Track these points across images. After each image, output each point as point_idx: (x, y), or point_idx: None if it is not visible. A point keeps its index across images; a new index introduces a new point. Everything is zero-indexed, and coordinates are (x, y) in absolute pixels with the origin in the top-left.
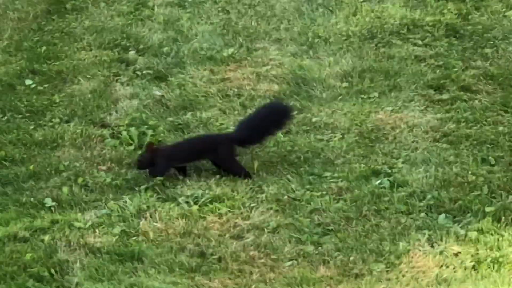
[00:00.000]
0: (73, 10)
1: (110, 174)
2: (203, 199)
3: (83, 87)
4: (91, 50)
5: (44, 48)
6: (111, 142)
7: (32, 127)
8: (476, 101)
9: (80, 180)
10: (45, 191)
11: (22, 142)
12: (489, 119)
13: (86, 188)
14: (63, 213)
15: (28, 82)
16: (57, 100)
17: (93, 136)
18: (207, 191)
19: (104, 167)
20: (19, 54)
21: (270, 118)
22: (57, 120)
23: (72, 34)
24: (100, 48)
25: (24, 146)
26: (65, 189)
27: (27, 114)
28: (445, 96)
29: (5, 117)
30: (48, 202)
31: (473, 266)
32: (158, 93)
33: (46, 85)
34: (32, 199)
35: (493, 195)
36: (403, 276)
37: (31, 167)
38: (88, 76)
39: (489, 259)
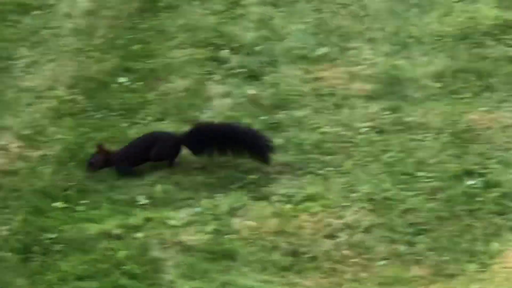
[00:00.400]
0: (166, 8)
1: (204, 172)
2: (296, 198)
3: (176, 85)
4: (184, 48)
5: (137, 46)
6: None
7: (125, 125)
8: None
9: (173, 178)
10: (139, 188)
11: (116, 139)
12: None
13: (179, 186)
14: (157, 211)
15: (122, 80)
16: (151, 98)
17: None
18: (300, 190)
19: (197, 165)
20: (112, 52)
21: (241, 141)
22: (151, 118)
23: (166, 32)
24: (193, 46)
25: (118, 143)
26: (158, 187)
27: (121, 112)
28: None
29: (99, 115)
30: (142, 200)
31: None
32: (251, 91)
33: (139, 83)
34: (126, 196)
35: None
36: (496, 276)
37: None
38: (182, 75)
39: None
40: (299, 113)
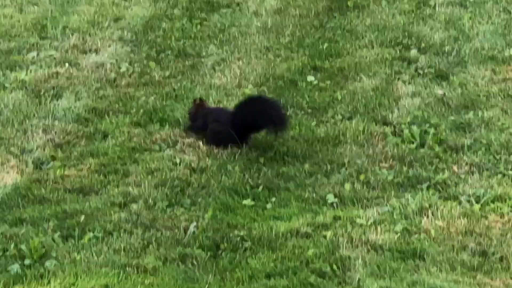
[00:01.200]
0: (355, 8)
1: (392, 171)
2: (484, 198)
3: (365, 84)
4: (372, 48)
5: (325, 45)
6: (393, 139)
7: (314, 123)
8: None
9: (362, 177)
10: (327, 187)
11: (304, 138)
12: None
13: (368, 185)
14: (345, 209)
15: (310, 78)
16: (339, 97)
17: (375, 134)
18: (488, 190)
19: (386, 165)
20: (301, 51)
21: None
22: (339, 117)
23: (354, 32)
24: (381, 46)
25: (306, 142)
26: (347, 186)
27: (309, 111)
28: None
29: (288, 113)
30: (330, 198)
31: None
32: (440, 91)
33: (327, 82)
34: (314, 195)
35: None
36: None
37: (306, 166)
38: (370, 74)
39: None
40: (487, 114)
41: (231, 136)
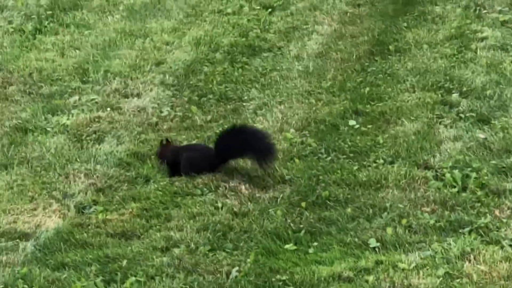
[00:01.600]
0: (396, 52)
1: (434, 215)
2: None
3: (406, 128)
4: (414, 92)
5: (367, 89)
6: (434, 184)
7: (355, 167)
8: None
9: (404, 221)
10: (369, 231)
11: (345, 182)
12: None
13: (409, 229)
14: (387, 253)
15: (352, 122)
16: (381, 141)
17: (416, 178)
18: None
19: (428, 209)
20: (342, 95)
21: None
22: (381, 161)
23: (395, 76)
24: (423, 90)
25: (347, 186)
26: (389, 230)
27: (351, 155)
28: None
29: (329, 157)
30: (372, 242)
31: None
32: (481, 135)
33: (369, 126)
34: (356, 239)
35: None
36: None
37: (349, 210)
38: (412, 118)
39: None
40: None
41: (206, 163)
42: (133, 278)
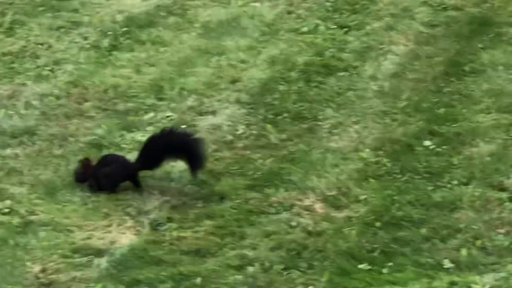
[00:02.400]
0: (471, 73)
1: (509, 237)
2: None
3: (481, 149)
4: (489, 113)
5: (442, 109)
6: (509, 205)
7: (430, 188)
8: None
9: (478, 242)
10: (443, 252)
11: (420, 202)
12: None
13: (484, 250)
14: (461, 275)
15: (427, 143)
16: (456, 162)
17: (491, 199)
18: None
19: (502, 230)
20: (417, 115)
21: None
22: (456, 182)
23: (471, 97)
24: (498, 111)
25: (422, 206)
26: (463, 251)
27: (425, 175)
28: None
29: (404, 178)
30: (447, 263)
31: None
32: None
33: (444, 147)
34: (430, 260)
35: None
36: None
37: (423, 230)
38: (487, 139)
39: None
40: None
41: (123, 173)
42: None
